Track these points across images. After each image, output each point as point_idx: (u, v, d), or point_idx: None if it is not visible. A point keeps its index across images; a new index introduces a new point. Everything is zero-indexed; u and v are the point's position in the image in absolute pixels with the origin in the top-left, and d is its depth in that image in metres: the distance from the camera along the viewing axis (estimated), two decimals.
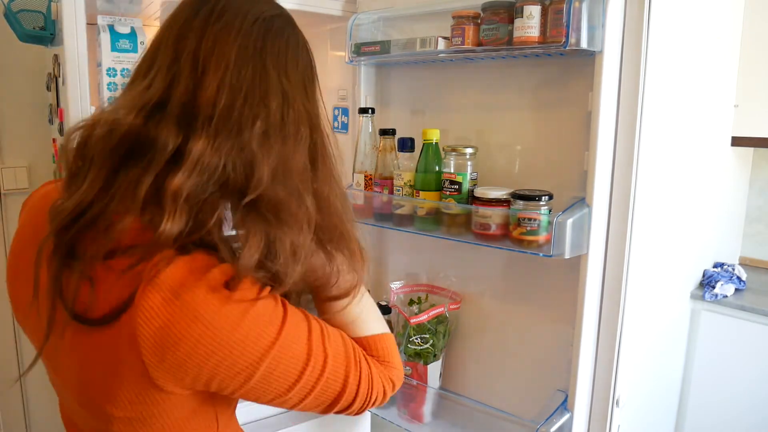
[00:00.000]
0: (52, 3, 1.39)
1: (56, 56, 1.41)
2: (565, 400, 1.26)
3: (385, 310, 1.54)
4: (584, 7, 1.09)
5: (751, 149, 2.13)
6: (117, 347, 0.61)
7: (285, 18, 0.73)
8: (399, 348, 1.48)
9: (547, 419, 1.24)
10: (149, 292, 0.59)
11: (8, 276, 0.74)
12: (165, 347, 0.59)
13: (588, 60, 1.15)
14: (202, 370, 0.61)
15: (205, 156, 0.63)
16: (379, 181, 1.45)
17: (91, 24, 1.25)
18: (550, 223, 1.16)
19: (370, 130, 1.50)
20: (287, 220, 0.67)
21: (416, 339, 1.44)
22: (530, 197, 1.18)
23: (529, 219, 1.17)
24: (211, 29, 0.67)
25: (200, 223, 0.64)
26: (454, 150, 1.31)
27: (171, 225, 0.61)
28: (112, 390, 0.63)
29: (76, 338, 0.64)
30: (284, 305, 0.67)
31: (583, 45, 1.10)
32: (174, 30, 0.68)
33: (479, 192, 1.26)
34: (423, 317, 1.42)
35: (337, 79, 1.75)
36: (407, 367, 1.46)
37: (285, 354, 0.65)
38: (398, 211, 1.42)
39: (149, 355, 0.59)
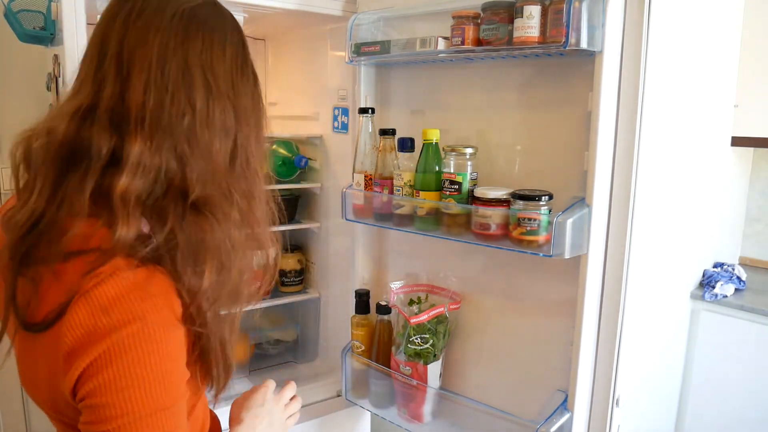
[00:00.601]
0: (52, 3, 1.39)
1: (56, 56, 1.41)
2: (565, 400, 1.26)
3: (385, 310, 1.54)
4: (584, 7, 1.09)
5: (751, 149, 2.13)
6: (49, 354, 0.62)
7: (210, 6, 0.73)
8: (399, 348, 1.48)
9: (547, 419, 1.24)
10: (80, 304, 0.59)
11: None
12: (77, 353, 0.59)
13: (588, 60, 1.15)
14: (93, 377, 0.59)
15: (144, 157, 0.64)
16: (379, 181, 1.45)
17: (91, 24, 1.24)
18: (550, 223, 1.16)
19: (370, 130, 1.50)
20: (221, 220, 0.68)
21: (416, 339, 1.44)
22: (530, 197, 1.18)
23: (529, 219, 1.17)
24: (132, 28, 0.67)
25: (155, 228, 0.64)
26: (454, 150, 1.31)
27: (126, 230, 0.61)
28: (50, 395, 0.65)
29: (24, 343, 0.66)
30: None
31: (583, 45, 1.10)
32: (98, 33, 0.69)
33: (479, 192, 1.26)
34: (423, 317, 1.42)
35: (337, 79, 1.75)
36: (407, 367, 1.46)
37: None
38: (398, 211, 1.42)
39: (62, 360, 0.60)
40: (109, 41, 0.67)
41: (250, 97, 0.74)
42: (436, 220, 1.35)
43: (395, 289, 1.50)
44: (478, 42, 1.26)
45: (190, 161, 0.66)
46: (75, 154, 0.64)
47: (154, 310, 0.61)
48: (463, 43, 1.26)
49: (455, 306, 1.47)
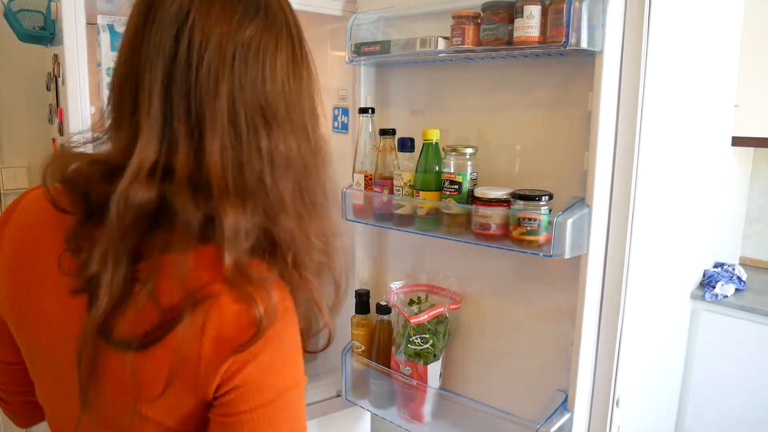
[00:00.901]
0: (52, 3, 1.39)
1: (56, 56, 1.41)
2: (565, 400, 1.26)
3: (385, 310, 1.54)
4: (584, 7, 1.09)
5: (751, 149, 2.14)
6: (173, 352, 0.59)
7: (262, 27, 0.64)
8: (399, 348, 1.48)
9: (547, 419, 1.24)
10: (223, 294, 0.60)
11: (7, 295, 0.69)
12: (223, 339, 0.59)
13: (588, 60, 1.15)
14: (249, 363, 0.60)
15: (240, 224, 0.61)
16: (379, 181, 1.45)
17: (91, 24, 1.25)
18: (550, 223, 1.16)
19: (370, 130, 1.50)
20: (315, 273, 0.69)
21: (416, 339, 1.44)
22: (530, 197, 1.18)
23: (529, 219, 1.17)
24: (199, 77, 0.60)
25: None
26: (454, 150, 1.31)
27: (266, 303, 0.61)
28: (159, 397, 0.61)
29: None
30: None
31: (583, 45, 1.10)
32: (160, 69, 0.61)
33: (479, 192, 1.26)
34: (423, 317, 1.42)
35: (337, 79, 1.75)
36: (407, 367, 1.46)
37: (300, 403, 0.66)
38: (398, 211, 1.42)
39: (210, 353, 0.59)
40: (173, 90, 0.61)
41: (316, 134, 0.72)
42: (436, 220, 1.35)
43: (395, 289, 1.50)
44: (478, 42, 1.25)
45: (275, 218, 0.65)
46: (156, 224, 0.61)
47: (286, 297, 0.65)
48: (463, 43, 1.26)
49: (455, 306, 1.47)
